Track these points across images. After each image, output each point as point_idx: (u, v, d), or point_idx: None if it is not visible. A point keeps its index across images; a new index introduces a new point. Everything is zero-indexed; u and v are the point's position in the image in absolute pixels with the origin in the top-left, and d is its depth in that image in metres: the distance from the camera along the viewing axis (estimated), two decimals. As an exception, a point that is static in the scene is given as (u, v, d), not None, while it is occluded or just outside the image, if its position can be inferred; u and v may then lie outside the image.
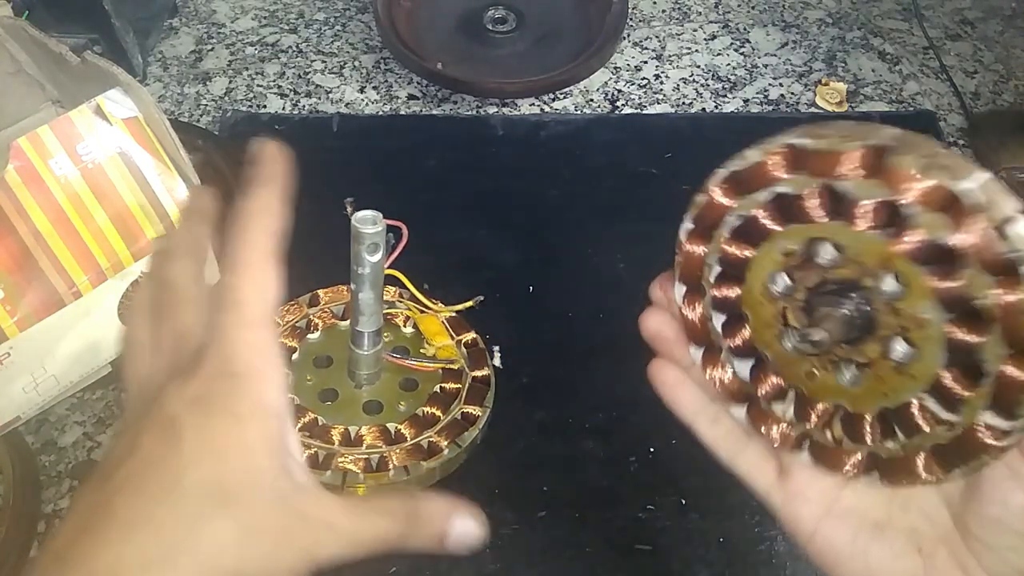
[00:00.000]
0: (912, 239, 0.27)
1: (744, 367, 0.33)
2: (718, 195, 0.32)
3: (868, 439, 0.30)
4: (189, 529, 0.26)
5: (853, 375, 0.30)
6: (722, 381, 0.33)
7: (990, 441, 0.27)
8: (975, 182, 0.26)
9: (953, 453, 0.28)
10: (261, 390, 0.29)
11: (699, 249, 0.33)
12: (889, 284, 0.28)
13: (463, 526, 0.31)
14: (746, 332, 0.33)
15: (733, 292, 0.33)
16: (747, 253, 0.32)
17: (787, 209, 0.30)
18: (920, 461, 0.29)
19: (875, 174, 0.27)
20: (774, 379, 0.32)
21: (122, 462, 0.28)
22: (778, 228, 0.30)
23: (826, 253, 0.30)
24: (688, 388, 0.35)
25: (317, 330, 0.58)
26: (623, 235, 0.67)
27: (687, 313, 0.34)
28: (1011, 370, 0.27)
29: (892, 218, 0.28)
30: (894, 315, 0.28)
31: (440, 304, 0.59)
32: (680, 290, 0.34)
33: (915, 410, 0.29)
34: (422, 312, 0.59)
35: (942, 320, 0.27)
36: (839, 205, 0.29)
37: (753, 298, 0.32)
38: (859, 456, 0.31)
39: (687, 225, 0.33)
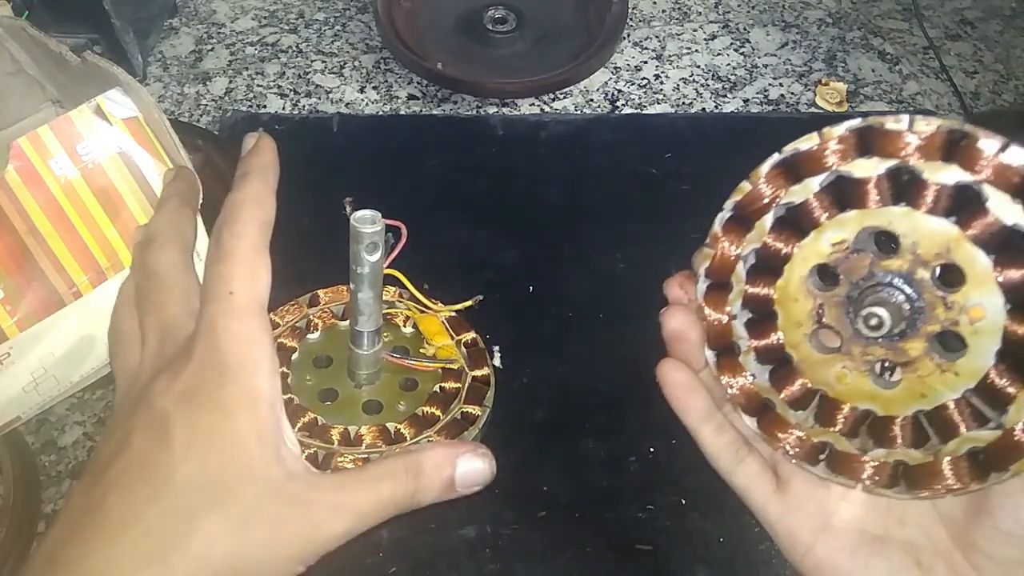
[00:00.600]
0: (982, 222, 0.27)
1: (763, 371, 0.32)
2: (765, 183, 0.30)
3: (898, 444, 0.29)
4: (179, 527, 0.26)
5: (889, 375, 0.29)
6: (739, 387, 0.32)
7: None
8: None
9: (991, 456, 0.27)
10: (251, 380, 0.28)
11: (735, 240, 0.31)
12: (945, 275, 0.28)
13: (469, 464, 0.30)
14: (775, 331, 0.31)
15: (767, 288, 0.31)
16: (791, 246, 0.30)
17: (844, 195, 0.29)
18: (949, 468, 0.28)
19: (949, 157, 0.27)
20: (800, 382, 0.31)
21: (113, 460, 0.28)
22: (829, 217, 0.29)
23: (879, 242, 0.29)
24: (698, 393, 0.33)
25: (317, 330, 0.58)
26: (623, 235, 0.67)
27: (708, 312, 0.32)
28: None
29: (960, 204, 0.27)
30: (945, 308, 0.28)
31: (440, 304, 0.59)
32: (704, 285, 0.32)
33: (953, 412, 0.28)
34: (422, 312, 0.59)
35: (1001, 310, 0.27)
36: (905, 189, 0.28)
37: (788, 294, 0.31)
38: (882, 464, 0.30)
39: (725, 214, 0.31)
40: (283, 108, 0.77)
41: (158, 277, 0.32)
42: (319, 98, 0.78)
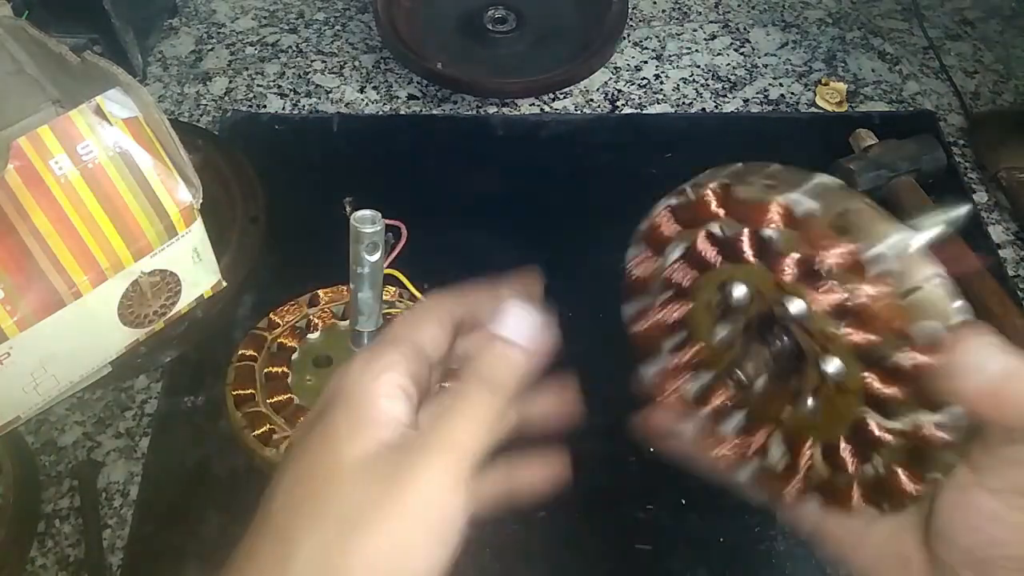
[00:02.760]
0: (787, 263, 0.28)
1: (730, 424, 0.34)
2: (637, 271, 0.35)
3: (850, 467, 0.30)
4: (278, 550, 0.27)
5: (812, 404, 0.30)
6: (723, 450, 0.34)
7: (944, 435, 0.27)
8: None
9: (918, 459, 0.28)
10: (347, 385, 0.30)
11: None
12: (795, 306, 0.29)
13: (511, 324, 0.32)
14: (726, 389, 0.33)
15: (693, 349, 0.34)
16: (682, 310, 0.33)
17: (694, 261, 0.32)
18: (902, 475, 0.28)
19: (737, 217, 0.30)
20: (758, 430, 0.33)
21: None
22: (690, 286, 0.32)
23: (736, 293, 0.31)
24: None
25: (317, 330, 0.58)
26: (623, 235, 0.67)
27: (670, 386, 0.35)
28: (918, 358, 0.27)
29: (763, 249, 0.29)
30: (809, 336, 0.29)
31: (440, 304, 0.59)
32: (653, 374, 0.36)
33: (872, 426, 0.28)
34: (422, 312, 0.59)
35: (841, 330, 0.28)
36: (723, 248, 0.31)
37: (713, 353, 0.33)
38: (854, 487, 0.30)
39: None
40: (283, 108, 0.77)
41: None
42: (319, 98, 0.78)
